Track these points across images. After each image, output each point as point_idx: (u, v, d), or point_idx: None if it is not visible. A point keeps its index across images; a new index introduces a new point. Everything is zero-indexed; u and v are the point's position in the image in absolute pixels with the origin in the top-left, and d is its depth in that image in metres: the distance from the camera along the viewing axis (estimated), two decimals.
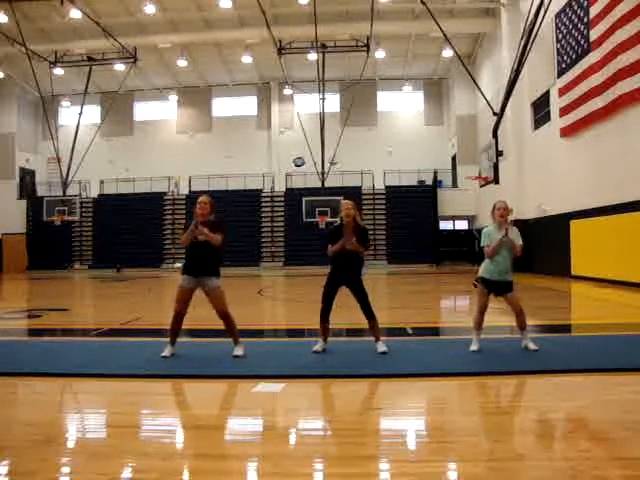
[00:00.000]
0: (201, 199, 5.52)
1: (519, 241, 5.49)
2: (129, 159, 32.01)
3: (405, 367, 4.97)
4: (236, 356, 5.34)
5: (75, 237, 30.53)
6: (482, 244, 5.60)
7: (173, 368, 5.04)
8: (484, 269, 5.59)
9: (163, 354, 5.38)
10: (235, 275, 20.61)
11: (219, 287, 5.42)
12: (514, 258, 5.57)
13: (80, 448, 3.28)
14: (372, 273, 21.70)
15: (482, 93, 19.37)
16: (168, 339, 5.50)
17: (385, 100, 32.20)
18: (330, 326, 5.63)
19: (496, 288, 5.56)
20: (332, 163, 28.52)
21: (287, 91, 30.86)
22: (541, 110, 19.30)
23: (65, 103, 31.88)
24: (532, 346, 5.42)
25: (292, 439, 3.44)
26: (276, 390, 4.33)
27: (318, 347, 5.56)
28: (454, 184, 29.71)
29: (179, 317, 5.45)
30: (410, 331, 7.07)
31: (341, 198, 24.93)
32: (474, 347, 5.47)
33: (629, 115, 13.04)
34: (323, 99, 27.75)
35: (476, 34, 26.44)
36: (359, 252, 5.48)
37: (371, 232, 27.73)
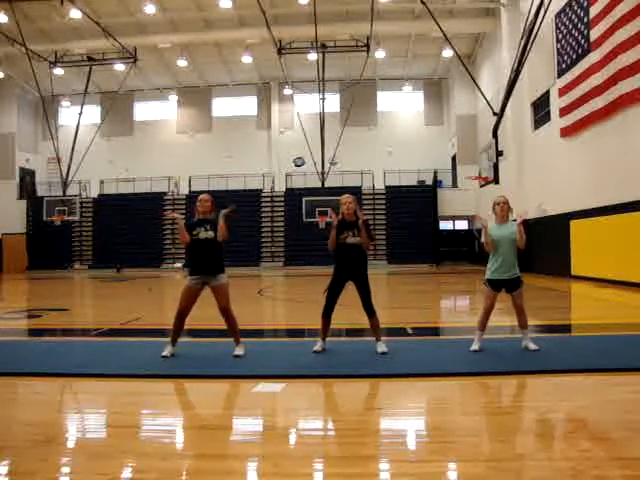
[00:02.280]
0: (202, 197, 5.54)
1: (522, 234, 5.45)
2: (129, 159, 32.00)
3: (405, 367, 4.97)
4: (236, 356, 5.34)
5: (75, 237, 30.52)
6: (483, 240, 5.56)
7: (173, 368, 5.04)
8: (489, 269, 5.55)
9: (163, 354, 5.37)
10: (235, 275, 20.57)
11: (225, 285, 5.43)
12: (518, 251, 5.52)
13: (80, 448, 3.28)
14: (372, 273, 21.67)
15: (482, 93, 19.37)
16: (169, 339, 5.49)
17: (385, 100, 32.19)
18: (331, 325, 5.62)
19: (505, 286, 5.52)
20: (332, 163, 28.52)
21: (287, 91, 30.85)
22: (541, 110, 19.30)
23: (65, 103, 31.86)
24: (532, 346, 5.41)
25: (292, 439, 3.44)
26: (276, 390, 4.33)
27: (318, 347, 5.55)
28: (454, 184, 29.71)
29: (182, 316, 5.43)
30: (410, 331, 7.06)
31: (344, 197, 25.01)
32: (475, 347, 5.46)
33: (629, 115, 13.04)
34: (323, 99, 27.75)
35: (476, 34, 26.43)
36: (366, 245, 5.47)
37: None
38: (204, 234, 5.35)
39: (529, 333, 5.59)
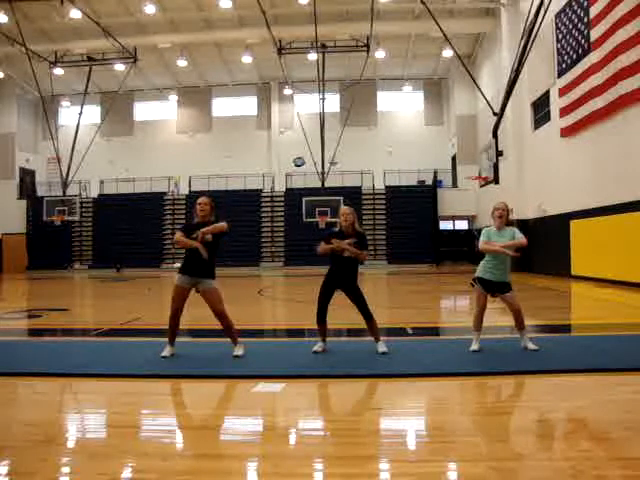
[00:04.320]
0: (201, 200, 5.52)
1: (521, 238, 5.45)
2: (129, 159, 32.00)
3: (405, 367, 4.97)
4: (236, 356, 5.34)
5: (75, 237, 30.52)
6: (480, 239, 5.57)
7: (173, 368, 5.05)
8: (481, 269, 5.57)
9: (163, 354, 5.37)
10: (235, 275, 20.60)
11: (215, 288, 5.41)
12: (520, 250, 5.49)
13: (80, 448, 3.28)
14: (372, 273, 21.69)
15: (482, 93, 19.33)
16: (167, 339, 5.50)
17: (385, 100, 32.19)
18: (327, 326, 5.64)
19: (494, 288, 5.53)
20: (332, 163, 28.49)
21: (287, 91, 30.85)
22: (541, 110, 19.30)
23: (65, 103, 31.87)
24: (532, 346, 5.42)
25: (292, 439, 3.44)
26: (276, 390, 4.33)
27: (318, 347, 5.56)
28: (454, 184, 29.70)
29: (176, 316, 5.45)
30: (410, 331, 7.07)
31: (341, 199, 25.19)
32: (474, 347, 5.47)
33: (629, 115, 13.04)
34: (323, 99, 27.71)
35: (476, 34, 26.43)
36: (360, 257, 5.49)
37: (371, 232, 27.74)
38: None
39: (527, 333, 5.59)
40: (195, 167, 30.68)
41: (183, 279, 5.43)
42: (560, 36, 16.84)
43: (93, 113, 31.84)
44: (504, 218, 5.50)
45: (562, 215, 16.76)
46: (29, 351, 6.10)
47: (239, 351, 5.40)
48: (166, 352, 5.40)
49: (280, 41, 25.60)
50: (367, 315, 5.50)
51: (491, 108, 18.24)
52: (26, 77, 28.63)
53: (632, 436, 3.19)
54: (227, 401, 4.43)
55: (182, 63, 28.17)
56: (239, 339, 5.50)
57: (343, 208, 5.64)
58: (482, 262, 5.60)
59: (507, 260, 5.50)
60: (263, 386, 4.42)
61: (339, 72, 29.71)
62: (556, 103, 17.31)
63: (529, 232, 17.58)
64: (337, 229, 5.64)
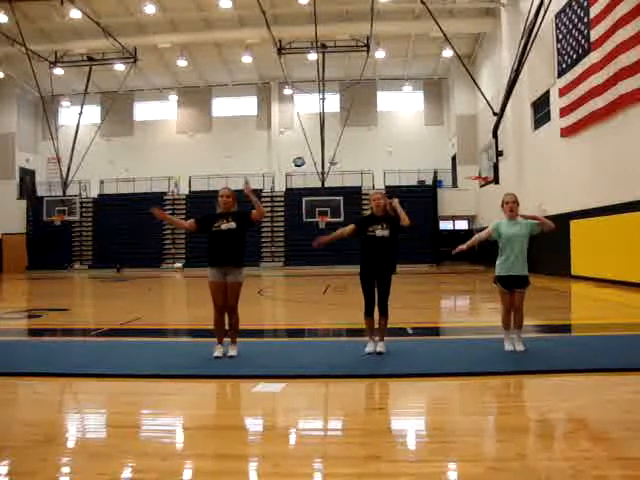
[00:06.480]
0: (223, 192, 5.56)
1: (538, 222, 5.48)
2: (129, 159, 32.01)
3: (405, 367, 4.97)
4: (231, 356, 5.32)
5: (75, 237, 30.53)
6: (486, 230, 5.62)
7: (173, 368, 5.04)
8: (497, 266, 5.55)
9: (214, 355, 5.31)
10: None
11: (239, 284, 5.47)
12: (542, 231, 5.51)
13: (80, 448, 3.28)
14: None
15: (482, 93, 19.35)
16: (216, 340, 5.43)
17: (385, 100, 32.21)
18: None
19: (513, 283, 5.47)
20: (332, 163, 28.51)
21: (287, 91, 30.87)
22: (541, 110, 19.30)
23: (65, 103, 31.89)
24: (520, 347, 5.39)
25: (292, 439, 3.44)
26: (276, 390, 4.33)
27: (370, 348, 5.42)
28: (454, 184, 29.72)
29: (222, 311, 5.42)
30: (410, 331, 7.07)
31: (341, 199, 25.25)
32: (509, 347, 5.42)
33: (629, 115, 13.04)
34: (323, 99, 27.73)
35: (476, 34, 26.44)
36: (406, 222, 5.49)
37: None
38: (226, 225, 5.40)
39: (521, 334, 5.53)
40: (195, 167, 30.69)
41: (215, 273, 5.42)
42: (560, 36, 16.84)
43: (93, 113, 31.85)
44: (515, 211, 5.53)
45: (562, 215, 16.74)
46: (29, 351, 6.10)
47: (233, 351, 5.39)
48: (218, 352, 5.33)
49: (280, 41, 25.61)
50: (384, 309, 5.47)
51: (491, 108, 18.25)
52: (26, 77, 28.63)
53: (632, 436, 3.19)
54: (227, 401, 4.43)
55: (182, 63, 28.19)
56: (238, 339, 5.50)
57: (374, 193, 5.69)
58: (498, 259, 5.56)
59: (521, 252, 5.45)
60: (263, 386, 4.41)
61: (339, 72, 29.72)
62: (556, 103, 17.31)
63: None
64: (369, 214, 5.63)
